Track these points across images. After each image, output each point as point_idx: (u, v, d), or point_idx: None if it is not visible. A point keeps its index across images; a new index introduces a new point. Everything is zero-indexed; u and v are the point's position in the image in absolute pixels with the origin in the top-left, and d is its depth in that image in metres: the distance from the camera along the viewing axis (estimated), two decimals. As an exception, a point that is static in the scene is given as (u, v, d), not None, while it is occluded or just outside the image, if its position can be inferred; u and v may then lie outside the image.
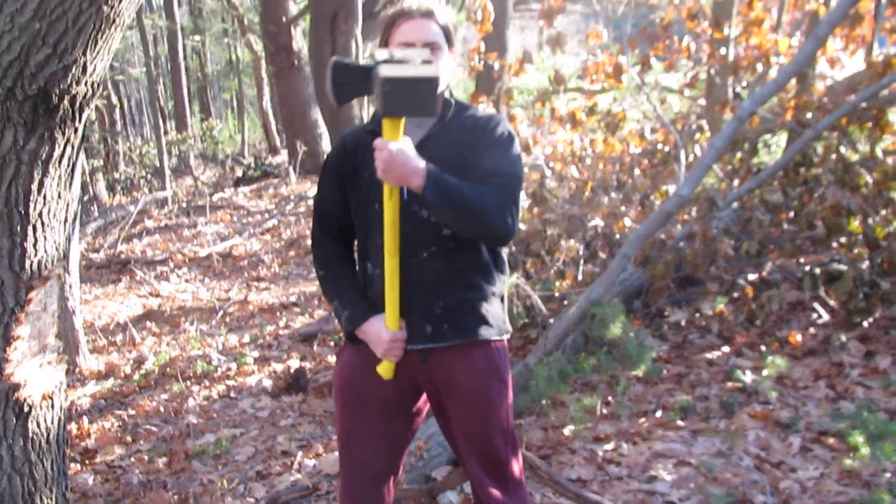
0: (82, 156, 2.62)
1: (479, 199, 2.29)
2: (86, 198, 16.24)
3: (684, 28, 6.77)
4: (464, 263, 2.48)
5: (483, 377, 2.51)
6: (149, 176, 19.45)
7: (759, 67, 6.63)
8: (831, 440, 3.87)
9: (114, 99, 21.80)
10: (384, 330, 2.45)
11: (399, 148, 2.19)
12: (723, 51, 6.89)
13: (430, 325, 2.46)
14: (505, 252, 2.64)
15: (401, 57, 2.22)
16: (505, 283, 2.63)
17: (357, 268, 2.64)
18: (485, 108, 6.48)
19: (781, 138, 7.37)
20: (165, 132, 20.52)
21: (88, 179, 17.23)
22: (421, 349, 2.48)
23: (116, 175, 20.02)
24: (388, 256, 2.38)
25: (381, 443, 2.63)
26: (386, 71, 2.16)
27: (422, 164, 2.23)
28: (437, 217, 2.39)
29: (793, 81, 5.99)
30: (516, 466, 2.62)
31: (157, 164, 17.81)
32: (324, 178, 2.60)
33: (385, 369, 2.51)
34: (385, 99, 2.19)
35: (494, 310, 2.55)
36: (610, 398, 4.68)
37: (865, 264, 5.01)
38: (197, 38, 26.40)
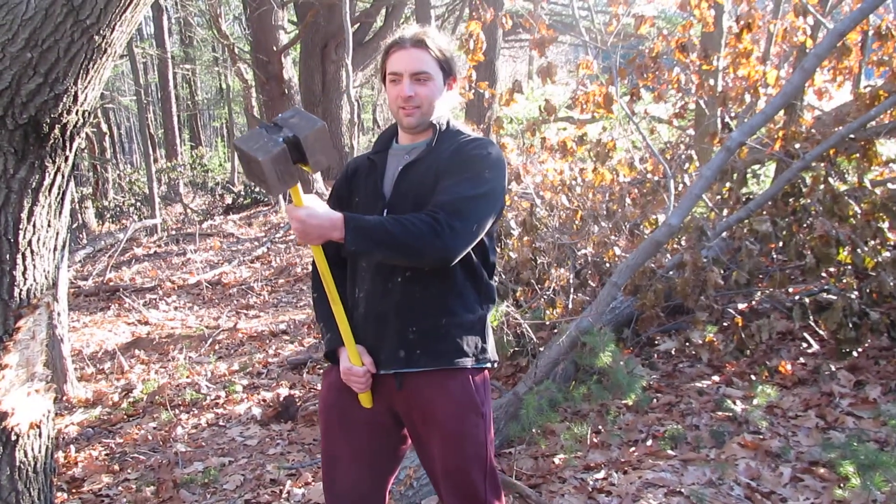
0: (72, 184, 2.61)
1: (406, 230, 2.23)
2: (75, 225, 16.21)
3: (673, 59, 6.82)
4: (439, 289, 2.44)
5: (460, 410, 2.47)
6: (138, 203, 19.46)
7: (748, 98, 6.68)
8: (822, 470, 3.86)
9: (104, 127, 21.83)
10: (346, 361, 2.47)
11: (307, 212, 2.17)
12: (711, 82, 6.95)
13: (403, 350, 2.44)
14: (494, 279, 2.62)
15: (283, 123, 2.14)
16: (489, 310, 2.59)
17: (347, 291, 2.61)
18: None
19: (770, 168, 7.43)
20: (155, 160, 20.55)
21: (77, 207, 17.23)
22: (395, 374, 2.46)
23: (106, 202, 20.00)
24: (332, 304, 2.39)
25: (364, 466, 2.59)
26: (238, 138, 2.11)
27: (335, 216, 2.20)
28: (371, 258, 2.39)
29: (781, 112, 6.03)
30: (496, 504, 2.57)
31: (147, 192, 17.82)
32: (329, 201, 2.59)
33: (362, 398, 2.52)
34: (241, 163, 2.18)
35: (472, 338, 2.50)
36: (600, 427, 4.67)
37: (854, 294, 5.02)
38: (187, 66, 26.49)
